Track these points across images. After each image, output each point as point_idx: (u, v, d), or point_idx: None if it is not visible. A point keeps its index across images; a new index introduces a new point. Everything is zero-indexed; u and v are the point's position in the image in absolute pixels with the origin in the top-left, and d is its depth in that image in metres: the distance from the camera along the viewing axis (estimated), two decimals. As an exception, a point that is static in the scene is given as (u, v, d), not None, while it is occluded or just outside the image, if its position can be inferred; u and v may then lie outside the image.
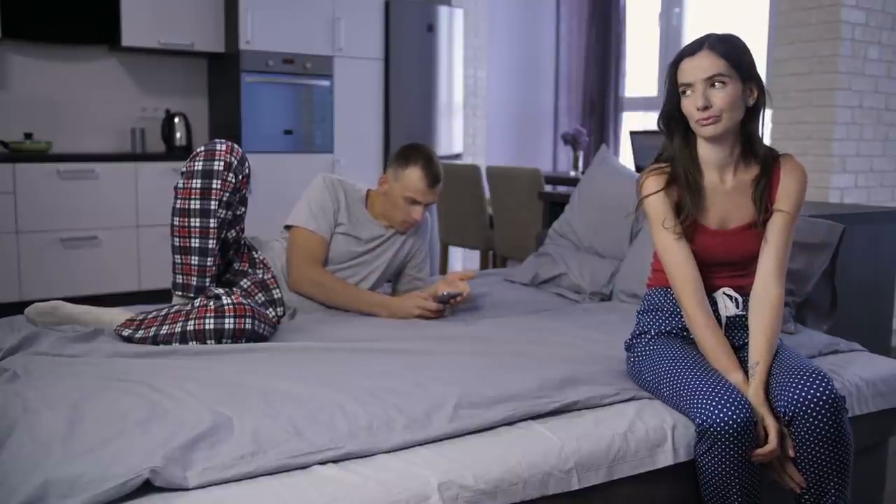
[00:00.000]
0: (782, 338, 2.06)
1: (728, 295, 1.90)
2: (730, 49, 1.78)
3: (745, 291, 1.91)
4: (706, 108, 1.77)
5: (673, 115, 1.88)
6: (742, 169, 1.89)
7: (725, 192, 1.88)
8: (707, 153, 1.88)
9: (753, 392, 1.74)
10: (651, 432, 1.72)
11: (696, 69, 1.78)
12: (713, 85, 1.77)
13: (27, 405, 1.60)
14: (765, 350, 1.79)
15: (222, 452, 1.41)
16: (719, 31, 1.86)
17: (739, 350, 1.91)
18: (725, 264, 1.90)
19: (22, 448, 1.42)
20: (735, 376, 1.77)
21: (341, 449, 1.48)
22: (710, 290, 1.90)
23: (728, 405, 1.63)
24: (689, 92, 1.80)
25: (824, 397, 1.66)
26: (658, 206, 1.88)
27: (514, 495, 1.52)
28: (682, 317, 1.93)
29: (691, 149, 1.89)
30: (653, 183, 1.89)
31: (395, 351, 2.06)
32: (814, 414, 1.66)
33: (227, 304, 2.09)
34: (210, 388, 1.69)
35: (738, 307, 1.89)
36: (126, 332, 2.11)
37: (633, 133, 5.05)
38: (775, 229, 1.85)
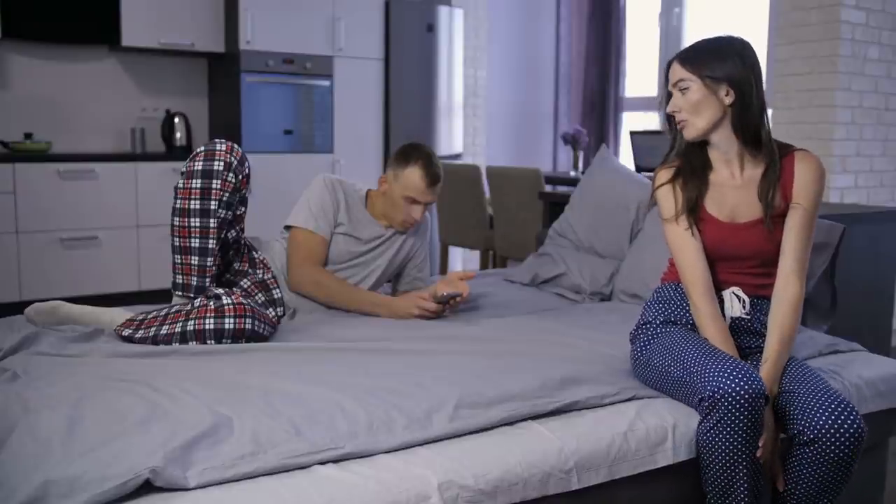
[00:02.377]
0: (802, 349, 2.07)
1: (737, 296, 1.90)
2: (697, 56, 1.88)
3: (752, 292, 1.91)
4: (675, 112, 1.90)
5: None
6: (749, 165, 1.92)
7: (735, 187, 1.92)
8: (711, 149, 1.94)
9: None
10: (651, 432, 1.71)
11: (671, 75, 1.92)
12: (680, 91, 1.88)
13: (27, 405, 1.60)
14: (776, 347, 1.80)
15: (222, 452, 1.41)
16: (720, 32, 1.93)
17: (747, 354, 1.92)
18: (733, 259, 1.92)
19: (22, 448, 1.42)
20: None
21: (341, 449, 1.48)
22: (717, 287, 1.91)
23: (739, 376, 1.62)
24: (671, 96, 1.93)
25: (851, 429, 1.65)
26: (668, 197, 1.94)
27: (514, 495, 1.52)
28: (689, 310, 1.94)
29: (700, 144, 1.95)
30: (664, 175, 1.96)
31: (395, 351, 2.06)
32: (836, 443, 1.65)
33: (227, 304, 2.09)
34: (210, 388, 1.69)
35: (744, 308, 1.89)
36: (126, 332, 2.11)
37: (633, 133, 5.06)
38: (793, 225, 1.87)
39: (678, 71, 1.88)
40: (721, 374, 1.63)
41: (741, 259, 1.91)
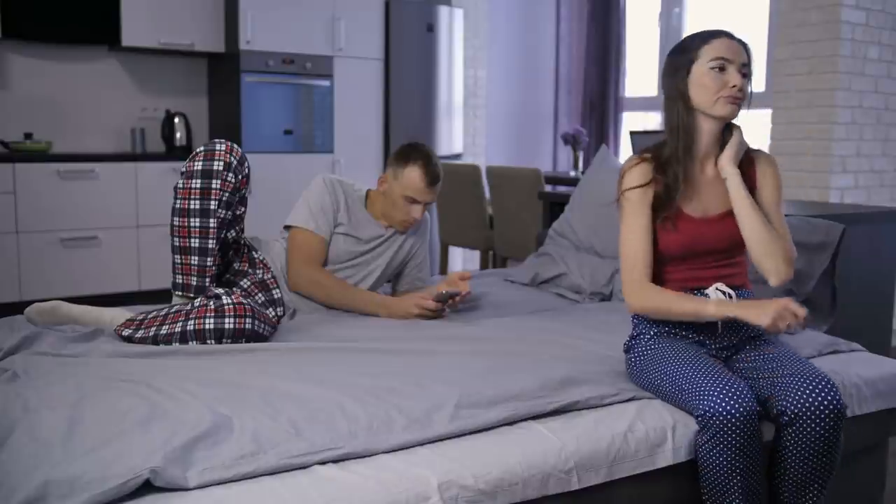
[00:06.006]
0: (785, 339, 2.07)
1: (722, 291, 1.90)
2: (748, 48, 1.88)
3: (733, 284, 1.92)
4: (741, 88, 1.82)
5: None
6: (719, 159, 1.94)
7: (706, 182, 1.93)
8: (704, 136, 1.89)
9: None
10: (651, 432, 1.71)
11: (737, 52, 1.84)
12: (743, 75, 1.84)
13: (27, 405, 1.60)
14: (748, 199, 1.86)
15: (222, 452, 1.41)
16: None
17: (735, 351, 1.92)
18: (712, 252, 1.92)
19: (22, 448, 1.42)
20: (709, 307, 1.79)
21: (341, 449, 1.47)
22: (700, 283, 1.91)
23: (730, 396, 1.63)
24: (726, 67, 1.83)
25: (830, 405, 1.66)
26: (638, 197, 1.90)
27: (514, 495, 1.52)
28: (679, 318, 1.92)
29: (691, 135, 1.89)
30: (636, 176, 1.91)
31: (395, 351, 2.06)
32: (816, 420, 1.66)
33: (228, 304, 2.09)
34: (210, 388, 1.69)
35: (732, 301, 1.89)
36: (126, 332, 2.11)
37: (633, 133, 5.05)
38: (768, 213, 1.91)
39: (744, 54, 1.85)
40: (712, 395, 1.65)
41: (716, 253, 1.92)
